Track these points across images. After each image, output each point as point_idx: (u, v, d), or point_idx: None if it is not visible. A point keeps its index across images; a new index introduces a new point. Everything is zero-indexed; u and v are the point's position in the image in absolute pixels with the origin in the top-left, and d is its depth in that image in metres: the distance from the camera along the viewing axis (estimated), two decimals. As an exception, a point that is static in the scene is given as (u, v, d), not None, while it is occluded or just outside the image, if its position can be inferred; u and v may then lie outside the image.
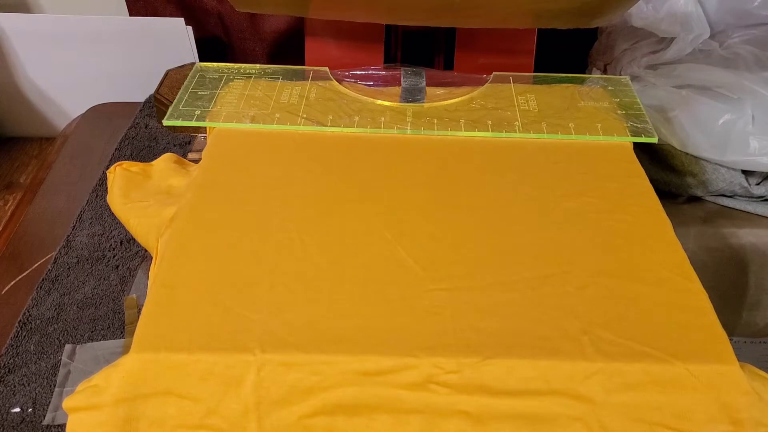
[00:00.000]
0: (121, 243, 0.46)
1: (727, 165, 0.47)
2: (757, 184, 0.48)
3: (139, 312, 0.39)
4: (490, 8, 0.42)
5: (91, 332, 0.40)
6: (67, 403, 0.28)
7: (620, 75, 0.53)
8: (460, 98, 0.44)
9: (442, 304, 0.30)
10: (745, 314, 0.48)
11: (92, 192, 0.51)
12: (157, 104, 0.58)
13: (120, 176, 0.42)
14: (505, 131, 0.41)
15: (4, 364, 0.38)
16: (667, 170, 0.49)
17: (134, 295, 0.42)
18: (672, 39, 0.51)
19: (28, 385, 0.37)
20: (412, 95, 0.45)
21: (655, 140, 0.41)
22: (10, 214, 0.53)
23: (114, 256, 0.45)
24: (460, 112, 0.43)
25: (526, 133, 0.41)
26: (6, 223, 0.51)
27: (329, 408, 0.28)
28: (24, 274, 0.45)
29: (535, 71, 0.49)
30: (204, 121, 0.42)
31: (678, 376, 0.28)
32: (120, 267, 0.44)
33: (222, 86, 0.45)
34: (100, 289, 0.43)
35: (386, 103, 0.44)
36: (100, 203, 0.50)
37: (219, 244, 0.33)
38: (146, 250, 0.43)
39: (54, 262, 0.45)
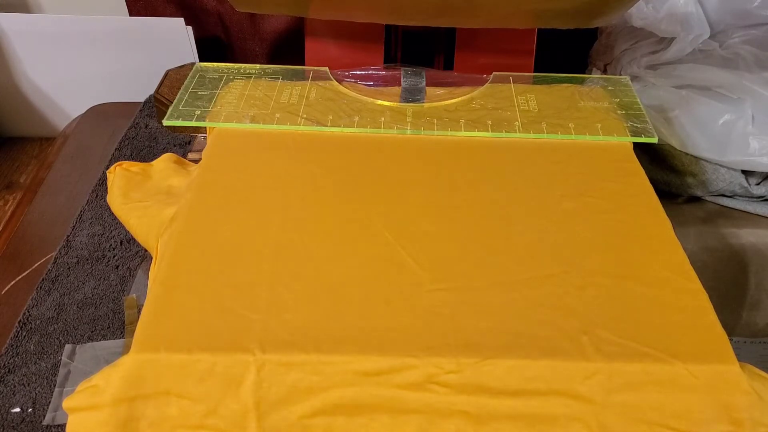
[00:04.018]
0: (121, 243, 0.46)
1: (727, 165, 0.47)
2: (757, 184, 0.48)
3: (139, 312, 0.39)
4: (490, 8, 0.42)
5: (91, 332, 0.40)
6: (67, 403, 0.28)
7: (620, 75, 0.53)
8: (460, 98, 0.44)
9: (442, 304, 0.30)
10: (745, 314, 0.48)
11: (92, 192, 0.51)
12: (157, 104, 0.58)
13: (120, 176, 0.42)
14: (505, 131, 0.41)
15: (4, 364, 0.38)
16: (667, 170, 0.49)
17: (134, 295, 0.42)
18: (672, 39, 0.51)
19: (28, 385, 0.37)
20: (412, 95, 0.45)
21: (655, 140, 0.41)
22: (10, 214, 0.53)
23: (114, 256, 0.45)
24: (460, 112, 0.43)
25: (526, 133, 0.41)
26: (6, 223, 0.51)
27: (329, 408, 0.28)
28: (24, 274, 0.45)
29: (535, 71, 0.49)
30: (204, 121, 0.42)
31: (678, 376, 0.28)
32: (120, 267, 0.44)
33: (222, 86, 0.45)
34: (100, 289, 0.43)
35: (386, 103, 0.44)
36: (100, 203, 0.50)
37: (219, 244, 0.33)
38: (146, 250, 0.43)
39: (54, 262, 0.45)
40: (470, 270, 0.32)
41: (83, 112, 0.66)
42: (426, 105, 0.44)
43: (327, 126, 0.41)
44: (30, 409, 0.36)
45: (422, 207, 0.36)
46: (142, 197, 0.40)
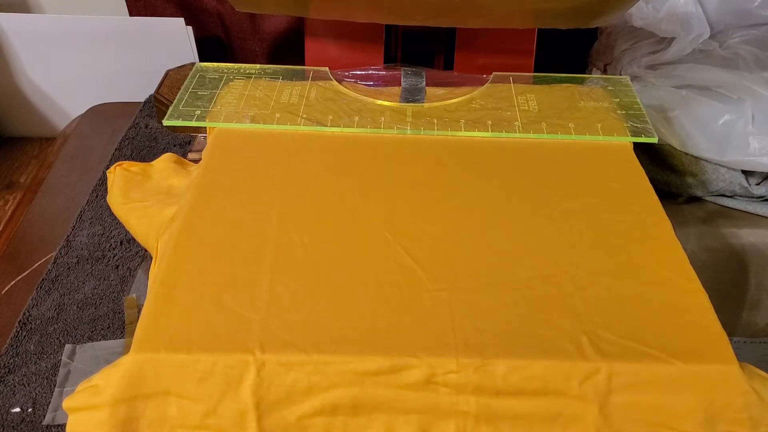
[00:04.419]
0: (121, 243, 0.46)
1: (727, 165, 0.47)
2: (757, 184, 0.48)
3: (139, 312, 0.39)
4: (490, 8, 0.42)
5: (91, 332, 0.40)
6: (67, 403, 0.28)
7: (620, 75, 0.53)
8: (460, 98, 0.44)
9: (442, 304, 0.30)
10: (745, 314, 0.48)
11: (92, 192, 0.51)
12: (157, 104, 0.58)
13: (120, 176, 0.42)
14: (505, 131, 0.41)
15: (4, 364, 0.38)
16: (667, 170, 0.49)
17: (134, 295, 0.42)
18: (672, 39, 0.51)
19: (28, 385, 0.37)
20: (412, 95, 0.45)
21: (655, 140, 0.41)
22: (10, 214, 0.53)
23: (114, 256, 0.45)
24: (460, 112, 0.43)
25: (526, 133, 0.41)
26: (6, 223, 0.51)
27: (329, 408, 0.28)
28: (24, 274, 0.45)
29: (535, 71, 0.49)
30: (204, 121, 0.42)
31: (678, 376, 0.28)
32: (120, 267, 0.44)
33: (222, 86, 0.45)
34: (100, 289, 0.43)
35: (386, 103, 0.44)
36: (100, 203, 0.50)
37: (219, 244, 0.33)
38: (146, 250, 0.43)
39: (54, 262, 0.45)
40: (470, 270, 0.32)
41: (83, 112, 0.66)
42: (426, 105, 0.44)
43: (327, 126, 0.41)
44: (30, 409, 0.36)
45: (422, 207, 0.36)
46: (142, 197, 0.40)
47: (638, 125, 0.42)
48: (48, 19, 0.72)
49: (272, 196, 0.36)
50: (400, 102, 0.44)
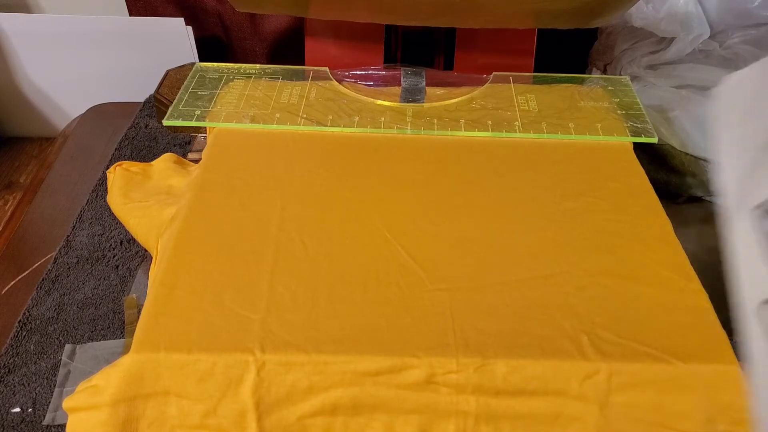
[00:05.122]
0: (121, 243, 0.46)
1: (727, 165, 0.47)
2: (757, 184, 0.48)
3: (139, 312, 0.39)
4: (490, 8, 0.42)
5: (91, 332, 0.40)
6: (67, 403, 0.28)
7: (620, 75, 0.53)
8: (460, 98, 0.44)
9: (442, 304, 0.30)
10: (745, 314, 0.48)
11: (92, 192, 0.51)
12: (157, 104, 0.58)
13: (120, 176, 0.42)
14: (505, 131, 0.41)
15: (4, 364, 0.38)
16: (667, 170, 0.49)
17: (134, 295, 0.42)
18: (672, 39, 0.51)
19: (28, 385, 0.37)
20: (412, 95, 0.45)
21: (655, 140, 0.41)
22: (10, 214, 0.53)
23: (114, 256, 0.45)
24: (460, 112, 0.43)
25: (526, 133, 0.41)
26: (6, 223, 0.51)
27: (329, 408, 0.28)
28: (24, 274, 0.45)
29: (535, 71, 0.49)
30: (204, 121, 0.42)
31: (678, 376, 0.28)
32: (120, 267, 0.44)
33: (222, 86, 0.45)
34: (100, 289, 0.43)
35: (386, 103, 0.44)
36: (100, 203, 0.50)
37: (219, 244, 0.33)
38: (146, 250, 0.43)
39: (54, 262, 0.45)
40: (470, 270, 0.32)
41: (83, 112, 0.66)
42: (426, 105, 0.44)
43: (327, 126, 0.41)
44: (30, 409, 0.36)
45: (422, 207, 0.36)
46: (142, 197, 0.40)
47: (638, 125, 0.42)
48: (48, 19, 0.72)
49: (272, 196, 0.36)
50: (400, 102, 0.44)
